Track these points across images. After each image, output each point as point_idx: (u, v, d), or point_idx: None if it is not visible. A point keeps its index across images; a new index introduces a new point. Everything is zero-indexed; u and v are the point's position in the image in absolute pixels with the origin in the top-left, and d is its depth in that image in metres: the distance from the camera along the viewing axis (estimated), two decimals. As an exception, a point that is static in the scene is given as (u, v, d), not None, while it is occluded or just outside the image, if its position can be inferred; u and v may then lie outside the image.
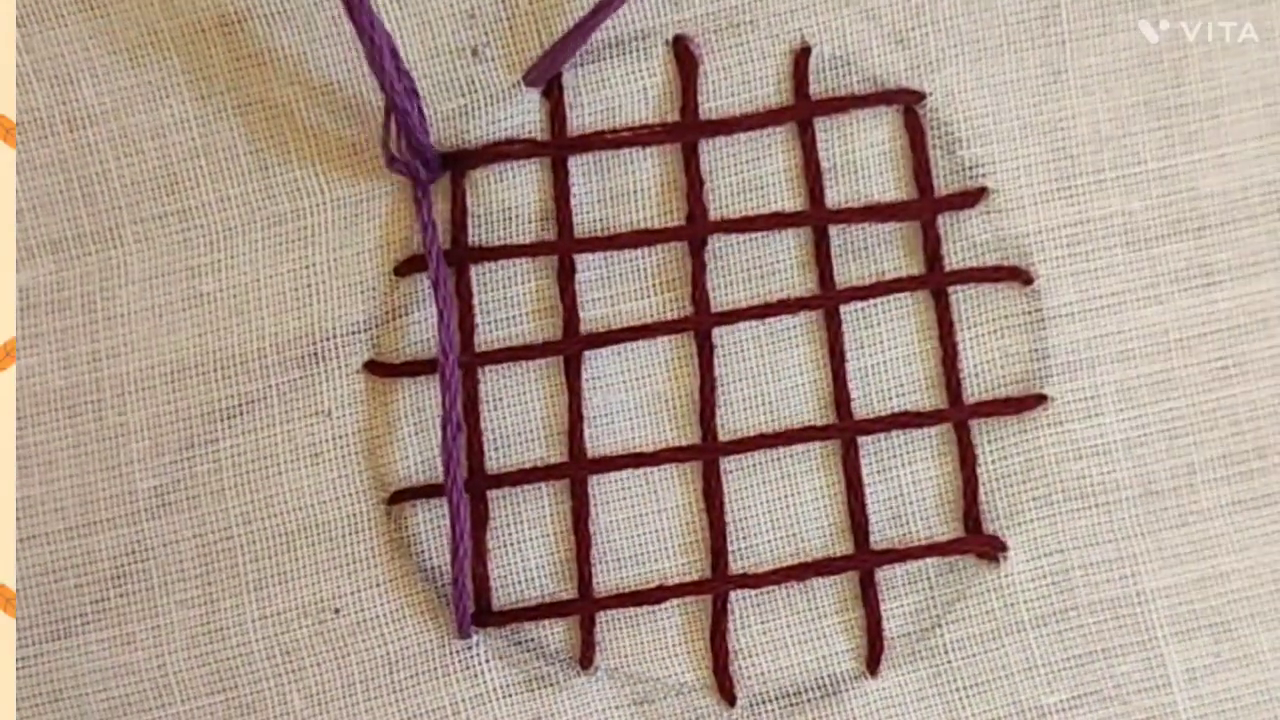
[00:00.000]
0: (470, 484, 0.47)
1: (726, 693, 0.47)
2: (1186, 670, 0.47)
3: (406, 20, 0.48)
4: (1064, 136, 0.48)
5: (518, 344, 0.48)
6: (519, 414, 0.48)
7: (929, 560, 0.47)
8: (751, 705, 0.48)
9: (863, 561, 0.47)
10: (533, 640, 0.48)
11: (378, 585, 0.47)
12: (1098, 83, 0.48)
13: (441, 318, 0.46)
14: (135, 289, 0.48)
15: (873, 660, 0.47)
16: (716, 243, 0.48)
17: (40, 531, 0.48)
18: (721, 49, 0.48)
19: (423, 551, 0.48)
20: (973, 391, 0.48)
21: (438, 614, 0.47)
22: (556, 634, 0.48)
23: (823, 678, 0.48)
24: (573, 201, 0.48)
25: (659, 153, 0.48)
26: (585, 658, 0.47)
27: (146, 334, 0.48)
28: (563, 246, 0.48)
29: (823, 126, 0.48)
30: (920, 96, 0.48)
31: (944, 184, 0.48)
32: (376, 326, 0.48)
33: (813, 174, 0.48)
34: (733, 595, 0.48)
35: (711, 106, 0.48)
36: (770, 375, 0.48)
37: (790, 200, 0.48)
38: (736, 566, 0.48)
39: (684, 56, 0.48)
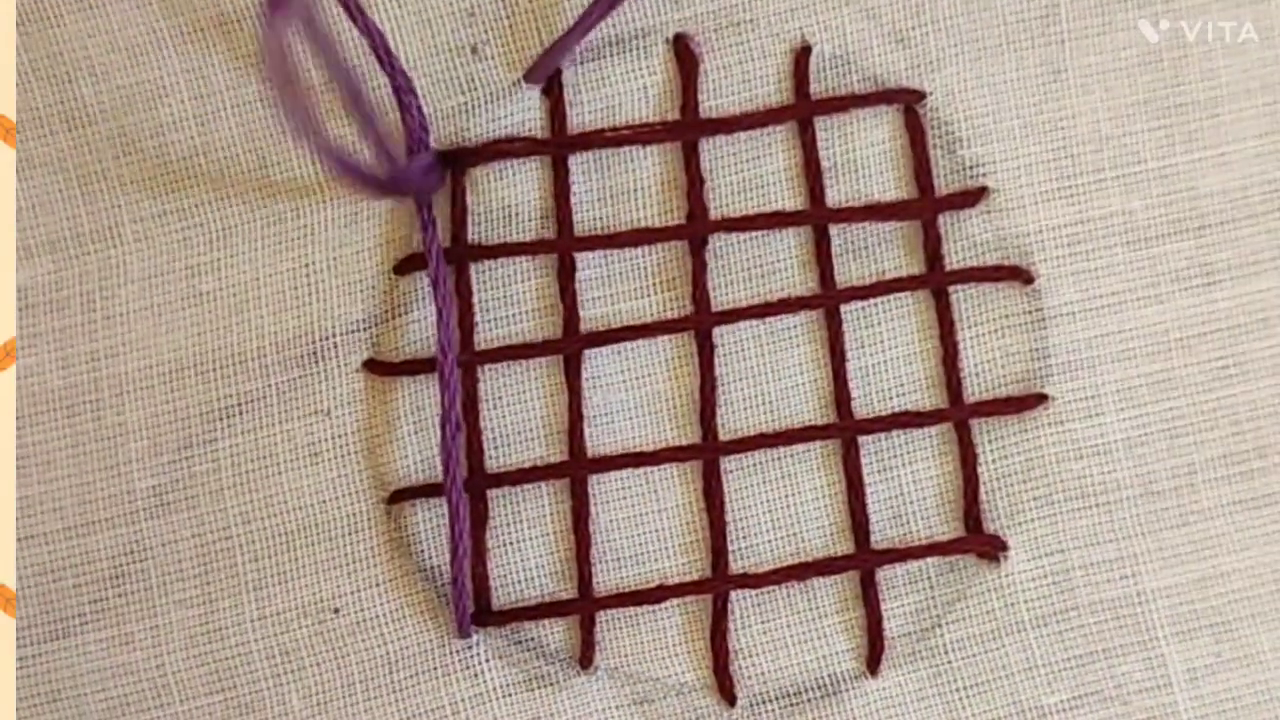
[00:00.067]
0: (470, 483, 0.47)
1: (727, 692, 0.47)
2: (1187, 670, 0.47)
3: (406, 18, 0.48)
4: (1064, 136, 0.48)
5: (517, 343, 0.48)
6: (519, 413, 0.48)
7: (929, 560, 0.47)
8: (751, 705, 0.47)
9: (863, 561, 0.47)
10: (533, 640, 0.48)
11: (377, 585, 0.47)
12: (1098, 82, 0.48)
13: (441, 316, 0.46)
14: (134, 288, 0.48)
15: (873, 660, 0.47)
16: (717, 242, 0.48)
17: (39, 531, 0.48)
18: (722, 47, 0.48)
19: (422, 551, 0.48)
20: (973, 391, 0.48)
21: (437, 614, 0.47)
22: (556, 634, 0.48)
23: (823, 677, 0.47)
24: (573, 200, 0.48)
25: (659, 151, 0.48)
26: (585, 657, 0.47)
27: (145, 333, 0.48)
28: (563, 245, 0.48)
29: (823, 125, 0.48)
30: (920, 96, 0.48)
31: (944, 183, 0.48)
32: (376, 325, 0.48)
33: (813, 173, 0.48)
34: (733, 595, 0.48)
35: (712, 105, 0.48)
36: (770, 375, 0.48)
37: (791, 199, 0.48)
38: (737, 566, 0.48)
39: (684, 55, 0.48)
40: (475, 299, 0.48)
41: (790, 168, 0.48)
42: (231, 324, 0.48)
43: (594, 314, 0.48)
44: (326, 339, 0.48)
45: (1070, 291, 0.48)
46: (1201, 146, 0.48)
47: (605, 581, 0.48)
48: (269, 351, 0.48)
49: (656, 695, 0.47)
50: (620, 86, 0.48)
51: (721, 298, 0.48)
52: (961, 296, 0.48)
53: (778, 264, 0.48)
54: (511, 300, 0.48)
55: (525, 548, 0.48)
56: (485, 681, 0.47)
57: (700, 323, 0.48)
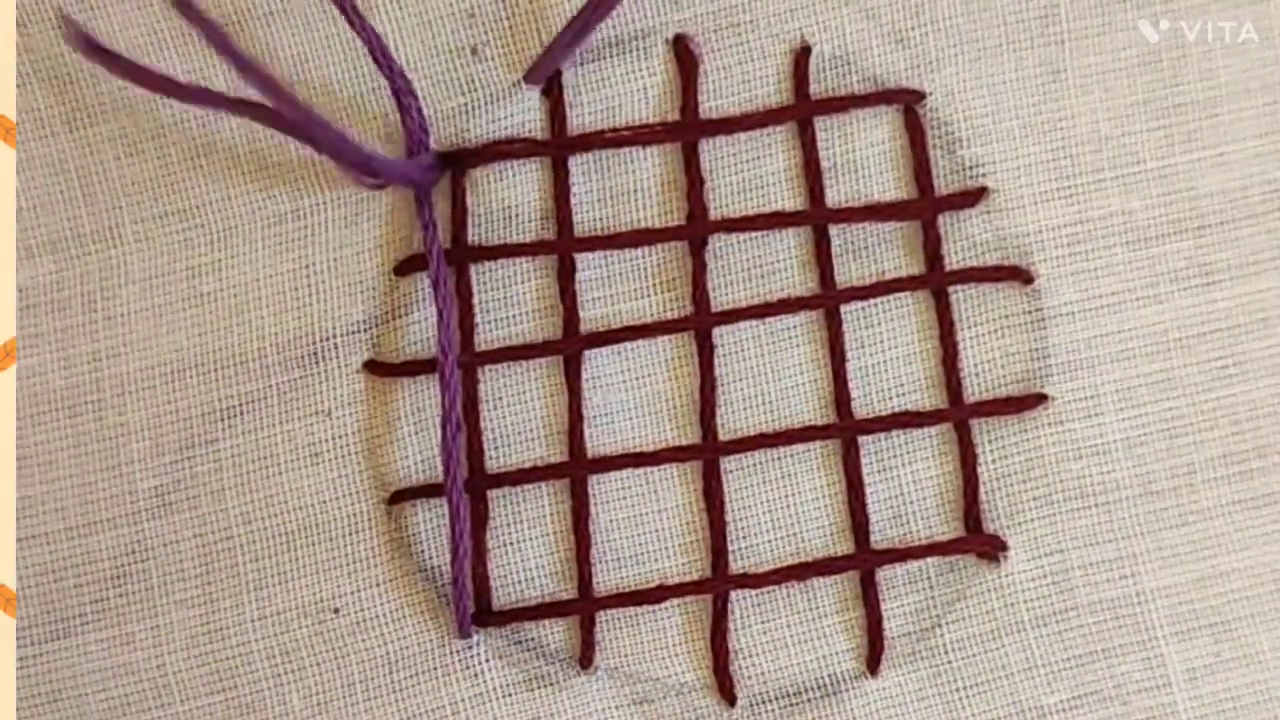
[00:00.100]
0: (470, 484, 0.47)
1: (726, 692, 0.47)
2: (1187, 670, 0.47)
3: (406, 19, 0.48)
4: (1063, 136, 0.48)
5: (518, 343, 0.48)
6: (519, 413, 0.48)
7: (929, 560, 0.47)
8: (751, 705, 0.47)
9: (863, 561, 0.47)
10: (533, 640, 0.48)
11: (378, 585, 0.47)
12: (1097, 82, 0.48)
13: (441, 317, 0.46)
14: (135, 288, 0.48)
15: (873, 660, 0.47)
16: (717, 242, 0.48)
17: (40, 531, 0.48)
18: (721, 48, 0.48)
19: (423, 551, 0.48)
20: (973, 391, 0.48)
21: (438, 614, 0.47)
22: (556, 634, 0.48)
23: (823, 677, 0.48)
24: (573, 201, 0.48)
25: (659, 152, 0.48)
26: (585, 657, 0.47)
27: (146, 334, 0.48)
28: (563, 246, 0.48)
29: (823, 126, 0.48)
30: (920, 96, 0.48)
31: (944, 183, 0.48)
32: (376, 326, 0.48)
33: (813, 173, 0.48)
34: (733, 595, 0.48)
35: (712, 106, 0.48)
36: (770, 375, 0.48)
37: (790, 200, 0.48)
38: (737, 566, 0.48)
39: (684, 56, 0.48)
40: (475, 300, 0.48)
41: (790, 168, 0.48)
42: (232, 325, 0.48)
43: (594, 314, 0.48)
44: (327, 340, 0.48)
45: (1070, 291, 0.48)
46: (1201, 146, 0.48)
47: (605, 581, 0.48)
48: (270, 352, 0.48)
49: (656, 695, 0.47)
50: (620, 87, 0.48)
51: (721, 298, 0.48)
52: (961, 296, 0.48)
53: (778, 264, 0.48)
54: (512, 301, 0.48)
55: (525, 548, 0.48)
56: (485, 681, 0.47)
57: (700, 323, 0.48)
